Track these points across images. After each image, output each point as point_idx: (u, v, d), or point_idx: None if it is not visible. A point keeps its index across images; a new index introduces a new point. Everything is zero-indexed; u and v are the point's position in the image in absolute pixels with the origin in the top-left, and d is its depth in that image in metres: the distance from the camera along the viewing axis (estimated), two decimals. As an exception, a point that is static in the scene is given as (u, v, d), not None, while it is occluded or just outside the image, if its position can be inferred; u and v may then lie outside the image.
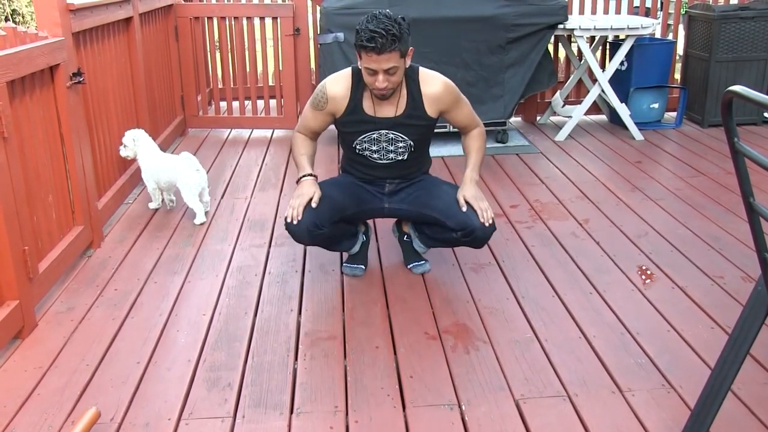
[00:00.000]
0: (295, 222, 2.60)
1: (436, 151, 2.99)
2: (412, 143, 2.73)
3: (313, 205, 2.61)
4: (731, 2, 5.64)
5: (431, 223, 2.80)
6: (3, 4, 14.76)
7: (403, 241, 3.06)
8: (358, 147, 2.75)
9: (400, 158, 2.76)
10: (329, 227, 2.66)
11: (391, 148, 2.73)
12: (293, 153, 2.83)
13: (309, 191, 2.64)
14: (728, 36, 5.12)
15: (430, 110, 2.67)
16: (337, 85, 2.68)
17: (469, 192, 2.67)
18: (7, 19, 14.75)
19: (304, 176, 2.71)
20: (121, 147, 3.71)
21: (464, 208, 2.64)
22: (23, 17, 14.88)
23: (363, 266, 3.00)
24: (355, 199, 2.81)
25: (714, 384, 1.80)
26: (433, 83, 2.66)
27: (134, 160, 3.79)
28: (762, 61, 5.20)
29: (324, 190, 2.68)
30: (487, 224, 2.60)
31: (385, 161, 2.77)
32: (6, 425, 2.06)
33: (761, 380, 2.21)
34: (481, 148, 2.80)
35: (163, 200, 3.79)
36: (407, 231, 3.02)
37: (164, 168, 3.65)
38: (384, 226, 3.44)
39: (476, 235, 2.63)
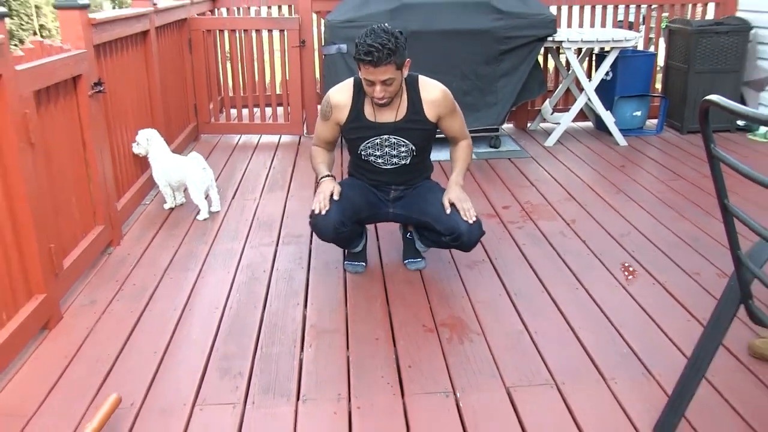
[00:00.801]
0: (323, 212, 2.61)
1: (433, 156, 3.00)
2: (413, 147, 2.75)
3: (335, 197, 2.63)
4: (707, 18, 5.66)
5: (426, 227, 2.82)
6: (32, 20, 14.83)
7: (405, 239, 3.08)
8: (363, 153, 2.77)
9: (403, 162, 2.77)
10: (350, 226, 2.70)
11: (394, 152, 2.75)
12: (312, 163, 2.85)
13: (330, 187, 2.67)
14: (705, 49, 5.14)
15: (430, 115, 2.69)
16: (340, 94, 2.71)
17: (453, 194, 2.69)
18: (35, 33, 14.80)
19: (323, 177, 2.74)
20: (134, 144, 3.73)
21: (448, 210, 2.66)
22: (50, 31, 14.95)
23: (364, 263, 3.02)
24: (367, 202, 2.84)
25: (690, 372, 1.82)
26: (433, 90, 2.69)
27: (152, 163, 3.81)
28: (735, 73, 5.22)
29: (344, 191, 2.70)
30: (470, 221, 2.62)
31: (389, 166, 2.79)
32: (36, 409, 2.08)
33: (732, 368, 2.23)
34: (468, 158, 2.83)
35: (174, 198, 3.82)
36: (411, 230, 3.05)
37: (174, 167, 3.68)
38: (385, 226, 3.46)
39: (463, 240, 2.65)
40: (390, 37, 2.44)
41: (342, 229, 2.65)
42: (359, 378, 2.22)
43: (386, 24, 2.51)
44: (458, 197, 2.68)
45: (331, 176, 2.75)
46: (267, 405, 2.09)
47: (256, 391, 2.16)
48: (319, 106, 2.79)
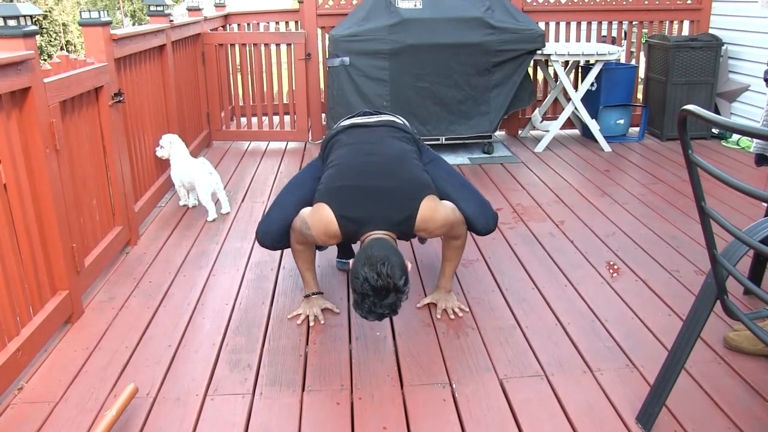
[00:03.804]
0: (312, 323, 2.52)
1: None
2: None
3: (321, 321, 2.52)
4: (683, 34, 5.67)
5: None
6: (59, 36, 14.90)
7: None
8: None
9: None
10: (285, 243, 2.53)
11: None
12: (298, 266, 2.57)
13: (316, 310, 2.55)
14: (681, 62, 5.14)
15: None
16: (326, 236, 2.30)
17: (444, 301, 2.59)
18: (62, 48, 14.88)
19: (312, 294, 2.59)
20: (158, 147, 3.79)
21: (440, 315, 2.56)
22: (75, 47, 15.03)
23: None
24: None
25: (670, 363, 1.82)
26: (422, 218, 2.26)
27: (167, 168, 3.82)
28: (709, 84, 5.22)
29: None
30: (451, 317, 2.54)
31: None
32: (61, 396, 2.08)
33: (709, 359, 2.23)
34: (456, 259, 2.56)
35: (188, 197, 3.86)
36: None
37: (186, 170, 3.71)
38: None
39: (478, 230, 2.51)
40: (394, 298, 2.06)
41: (277, 245, 2.51)
42: (361, 370, 2.21)
43: (381, 251, 2.08)
44: (446, 299, 2.59)
45: (319, 293, 2.61)
46: (274, 395, 2.08)
47: (263, 382, 2.15)
48: (316, 203, 2.33)
